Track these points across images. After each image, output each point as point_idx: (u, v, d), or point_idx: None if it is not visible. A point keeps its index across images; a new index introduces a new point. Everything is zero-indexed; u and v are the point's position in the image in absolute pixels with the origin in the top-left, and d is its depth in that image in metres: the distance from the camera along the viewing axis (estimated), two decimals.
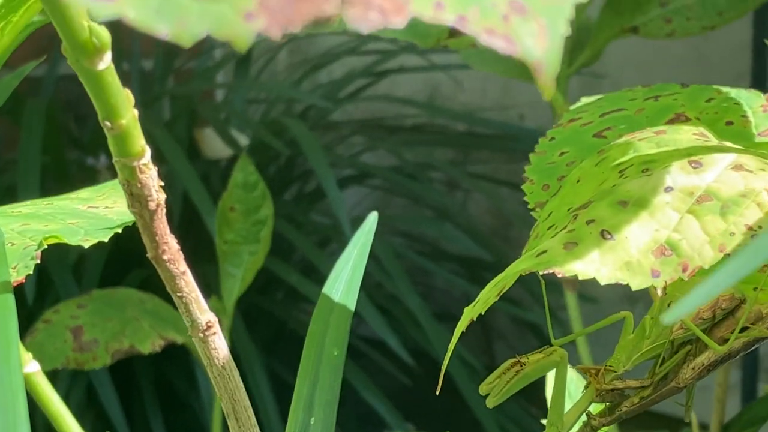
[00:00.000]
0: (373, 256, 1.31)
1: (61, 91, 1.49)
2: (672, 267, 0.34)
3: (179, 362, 1.13)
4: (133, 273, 1.16)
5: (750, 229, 0.34)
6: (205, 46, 1.46)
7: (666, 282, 0.34)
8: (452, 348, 0.37)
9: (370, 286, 1.27)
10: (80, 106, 1.59)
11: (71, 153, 1.33)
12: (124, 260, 1.20)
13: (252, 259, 0.84)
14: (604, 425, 0.38)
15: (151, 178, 0.31)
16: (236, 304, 1.05)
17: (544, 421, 0.43)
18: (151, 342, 0.77)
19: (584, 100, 0.53)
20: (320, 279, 1.30)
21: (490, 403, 0.36)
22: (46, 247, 0.36)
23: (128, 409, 1.09)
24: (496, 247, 1.32)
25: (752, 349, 0.39)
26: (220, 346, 0.33)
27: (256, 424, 0.34)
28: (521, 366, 0.36)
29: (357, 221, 1.34)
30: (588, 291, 1.17)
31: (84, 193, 0.46)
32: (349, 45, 1.40)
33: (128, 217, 0.41)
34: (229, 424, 0.34)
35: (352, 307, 0.48)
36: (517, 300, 1.28)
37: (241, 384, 0.34)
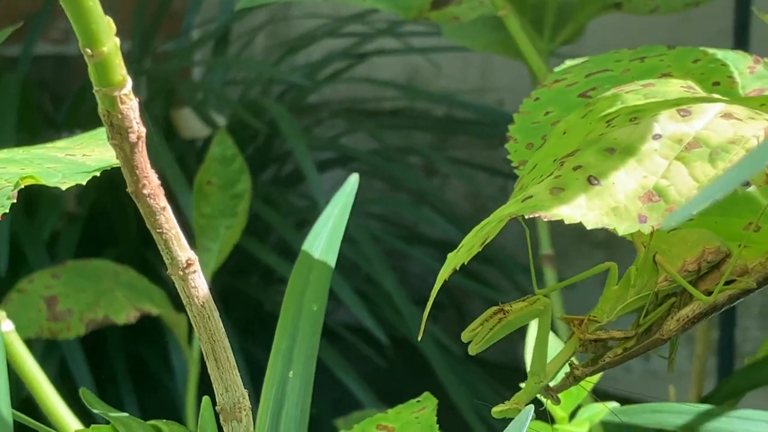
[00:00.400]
0: (349, 238, 1.30)
1: (36, 71, 1.48)
2: (659, 212, 0.34)
3: (153, 342, 1.12)
4: (107, 252, 1.15)
5: None
6: (183, 26, 1.45)
7: (653, 227, 0.34)
8: (435, 292, 0.36)
9: (346, 269, 1.26)
10: (55, 87, 1.57)
11: (46, 132, 1.32)
12: (97, 238, 1.19)
13: (228, 233, 0.84)
14: (587, 375, 0.38)
15: (132, 109, 0.31)
16: (212, 282, 1.04)
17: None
18: (125, 313, 0.76)
19: (568, 62, 0.52)
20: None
21: (473, 350, 0.36)
22: (22, 186, 0.36)
23: (101, 388, 1.08)
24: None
25: (736, 302, 0.38)
26: (199, 284, 0.33)
27: (236, 366, 0.33)
28: (504, 314, 0.36)
29: None
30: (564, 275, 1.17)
31: (61, 143, 0.46)
32: (326, 28, 1.40)
33: (106, 163, 0.40)
34: (208, 365, 0.33)
35: (332, 263, 0.47)
36: (494, 284, 1.28)
37: (220, 324, 0.33)
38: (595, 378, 0.51)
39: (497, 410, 0.36)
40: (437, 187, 1.45)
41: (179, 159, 1.23)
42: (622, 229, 0.34)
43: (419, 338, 0.36)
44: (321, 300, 0.45)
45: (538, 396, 0.39)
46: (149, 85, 1.31)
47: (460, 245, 0.37)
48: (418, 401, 0.47)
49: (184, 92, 1.29)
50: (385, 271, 1.18)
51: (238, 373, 0.33)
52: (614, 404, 0.53)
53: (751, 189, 0.42)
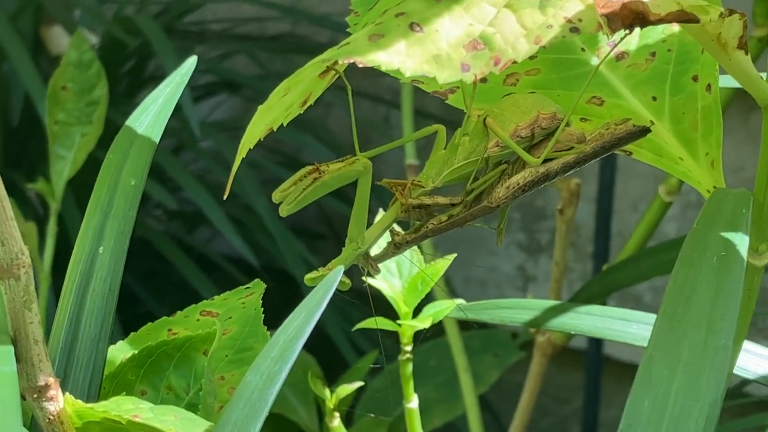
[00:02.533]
0: (226, 164, 1.27)
1: None
2: (483, 61, 0.31)
3: None
4: None
5: (569, 21, 0.32)
6: None
7: (476, 76, 0.31)
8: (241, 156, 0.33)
9: (220, 195, 1.22)
10: None
11: None
12: None
13: (84, 140, 0.79)
14: (408, 243, 0.35)
15: None
16: (74, 196, 1.00)
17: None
18: None
19: None
20: (172, 186, 1.25)
21: (283, 211, 0.33)
22: None
23: None
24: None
25: (571, 171, 0.36)
26: None
27: (14, 217, 0.30)
28: (320, 173, 0.33)
29: (213, 127, 1.29)
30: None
31: None
32: None
33: None
34: None
35: (156, 139, 0.44)
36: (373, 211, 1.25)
37: None
38: (441, 270, 0.49)
39: (309, 277, 0.34)
40: (320, 115, 1.41)
41: (48, 78, 1.17)
42: (443, 77, 0.31)
43: (224, 197, 0.33)
44: (140, 175, 0.41)
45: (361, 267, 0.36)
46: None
47: (270, 97, 0.34)
48: (247, 287, 0.44)
49: (54, 7, 1.23)
50: (259, 197, 1.15)
51: (17, 226, 0.30)
52: (461, 301, 0.51)
53: (594, 61, 0.40)
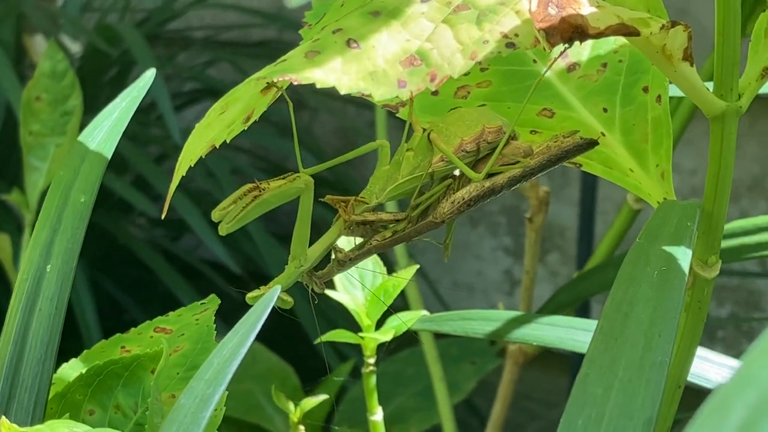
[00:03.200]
0: (208, 171, 1.26)
1: None
2: (420, 77, 0.31)
3: None
4: None
5: (505, 36, 0.31)
6: None
7: (412, 93, 0.31)
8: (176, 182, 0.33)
9: (206, 204, 1.22)
10: None
11: None
12: None
13: (58, 151, 0.79)
14: (351, 259, 0.35)
15: None
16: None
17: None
18: None
19: None
20: (154, 195, 1.25)
21: (223, 230, 0.33)
22: None
23: None
24: (339, 167, 1.29)
25: (518, 185, 0.36)
26: None
27: None
28: (260, 191, 0.33)
29: None
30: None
31: None
32: None
33: None
34: None
35: (108, 155, 0.43)
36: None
37: None
38: (403, 282, 0.49)
39: (250, 296, 0.34)
40: (306, 121, 1.41)
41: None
42: (379, 94, 0.31)
43: (162, 217, 0.33)
44: (90, 192, 0.41)
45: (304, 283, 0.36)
46: (1, 6, 1.24)
47: (208, 115, 0.33)
48: (202, 303, 0.44)
49: (35, 16, 1.23)
50: None
51: None
52: (424, 312, 0.51)
53: (547, 73, 0.40)
